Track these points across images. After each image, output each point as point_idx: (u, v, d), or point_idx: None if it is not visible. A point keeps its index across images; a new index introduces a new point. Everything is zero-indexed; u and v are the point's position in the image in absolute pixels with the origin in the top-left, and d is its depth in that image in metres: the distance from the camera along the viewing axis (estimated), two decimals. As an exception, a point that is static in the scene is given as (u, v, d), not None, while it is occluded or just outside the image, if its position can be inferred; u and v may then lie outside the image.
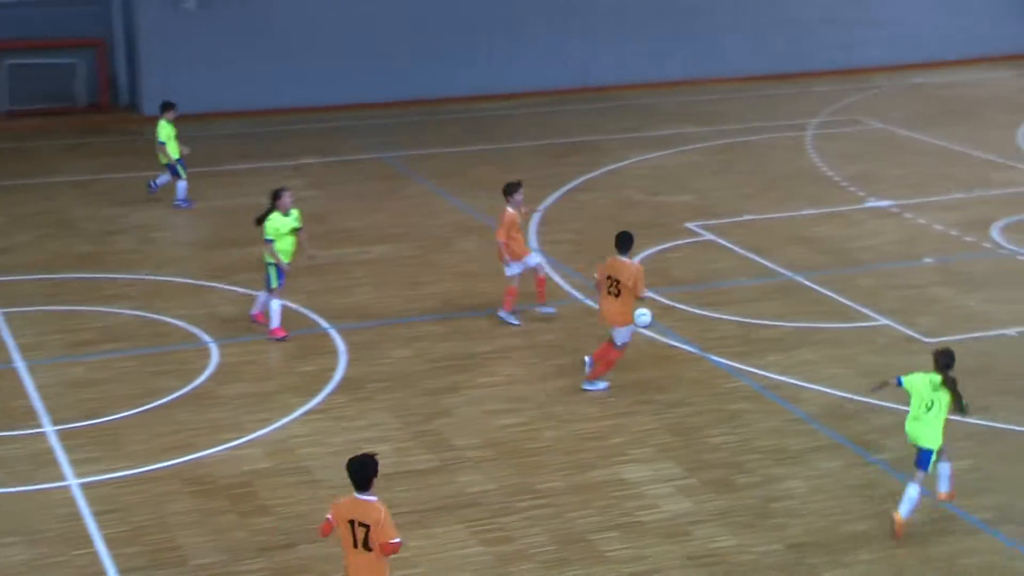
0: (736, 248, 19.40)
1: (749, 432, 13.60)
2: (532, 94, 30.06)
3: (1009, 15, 33.50)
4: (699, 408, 14.16)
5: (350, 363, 15.40)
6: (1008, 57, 33.55)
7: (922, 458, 11.47)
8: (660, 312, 16.82)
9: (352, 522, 9.16)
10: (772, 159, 24.64)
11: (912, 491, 11.45)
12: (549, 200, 22.02)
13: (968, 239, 19.68)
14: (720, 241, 19.74)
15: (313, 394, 14.54)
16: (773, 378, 14.83)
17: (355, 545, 9.15)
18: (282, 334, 16.00)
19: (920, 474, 11.47)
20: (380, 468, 12.79)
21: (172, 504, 12.16)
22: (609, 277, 14.41)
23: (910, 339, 15.97)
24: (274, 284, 15.90)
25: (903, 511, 11.48)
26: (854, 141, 25.91)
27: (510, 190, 16.43)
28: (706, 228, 20.33)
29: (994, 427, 13.61)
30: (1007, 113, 28.02)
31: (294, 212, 15.96)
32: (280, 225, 15.84)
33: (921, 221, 20.62)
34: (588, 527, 11.78)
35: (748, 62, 31.65)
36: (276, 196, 15.89)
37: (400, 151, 25.48)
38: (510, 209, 16.36)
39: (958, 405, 11.47)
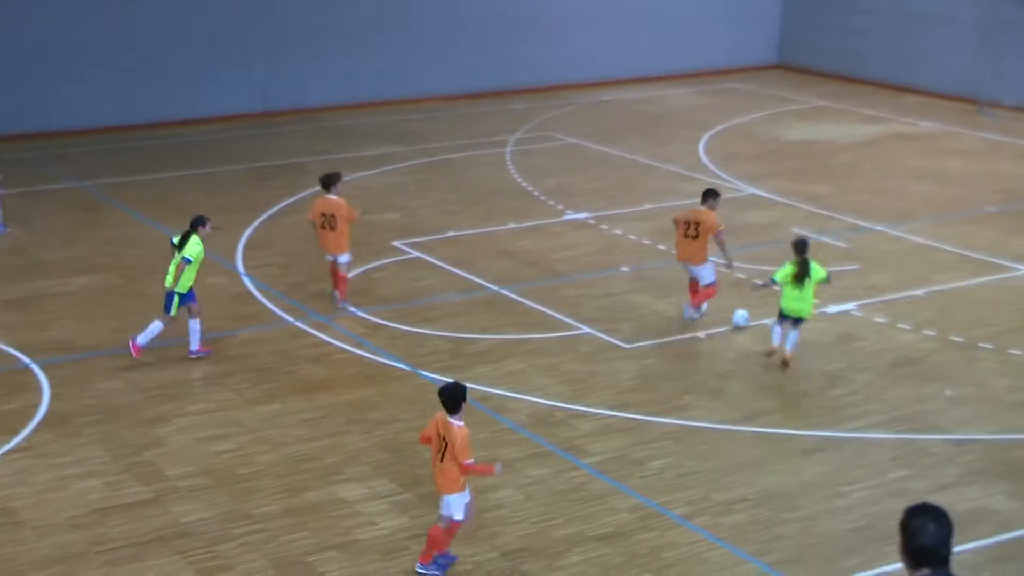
0: (442, 264, 19.83)
1: (461, 444, 13.94)
2: (234, 118, 29.82)
3: (688, 36, 35.29)
4: (411, 424, 14.42)
5: (55, 398, 14.98)
6: (688, 75, 35.35)
7: (797, 322, 15.72)
8: (369, 331, 17.06)
9: (441, 436, 11.01)
10: (474, 176, 25.25)
11: (778, 335, 15.79)
12: (255, 224, 21.95)
13: (660, 247, 20.69)
14: (426, 258, 20.13)
15: (15, 432, 14.07)
16: (482, 390, 15.26)
17: (439, 457, 11.02)
18: (206, 351, 16.18)
19: (792, 333, 15.68)
20: (92, 503, 12.52)
21: None
22: (687, 222, 17.18)
23: (612, 346, 16.70)
24: (174, 312, 15.83)
25: (788, 348, 15.68)
26: (550, 156, 26.82)
27: (335, 180, 17.58)
28: (412, 246, 20.69)
29: (689, 425, 14.42)
30: (689, 128, 29.55)
31: None
32: (200, 251, 15.77)
33: (617, 232, 21.55)
34: (306, 549, 11.86)
35: (448, 81, 32.28)
36: (201, 223, 15.90)
37: (100, 179, 24.85)
38: (338, 198, 17.57)
39: (802, 279, 15.55)
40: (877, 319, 17.57)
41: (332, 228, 17.52)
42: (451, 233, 21.47)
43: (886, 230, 21.77)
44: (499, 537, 12.09)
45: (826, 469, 13.45)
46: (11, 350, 16.26)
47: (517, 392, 15.27)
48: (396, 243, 20.79)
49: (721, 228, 17.13)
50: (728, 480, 13.18)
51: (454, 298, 18.47)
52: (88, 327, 17.26)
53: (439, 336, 16.97)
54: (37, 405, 14.77)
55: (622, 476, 13.23)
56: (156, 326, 15.88)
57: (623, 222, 22.08)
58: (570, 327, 17.34)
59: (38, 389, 15.21)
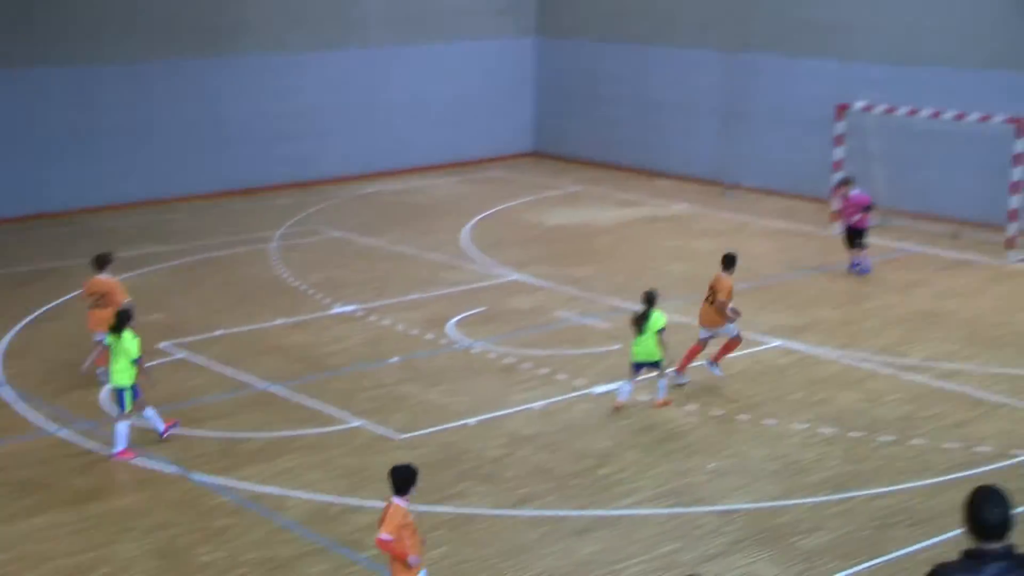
0: (211, 364, 19.60)
1: (236, 546, 13.79)
2: (-11, 222, 28.95)
3: (447, 127, 35.98)
4: (184, 528, 14.19)
5: None
6: (449, 165, 35.99)
7: (653, 368, 17.47)
8: (137, 436, 16.69)
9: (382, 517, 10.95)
10: (241, 273, 25.07)
11: (626, 393, 17.59)
12: (13, 331, 21.27)
13: (428, 336, 20.94)
14: (194, 358, 19.87)
15: None
16: (256, 490, 15.11)
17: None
18: (132, 455, 16.08)
19: (661, 382, 17.65)
20: None
21: None
22: (711, 288, 18.45)
23: (384, 437, 16.79)
24: (129, 407, 16.10)
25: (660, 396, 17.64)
26: (316, 250, 26.86)
27: (108, 259, 18.75)
28: (179, 346, 20.39)
29: (464, 513, 14.59)
30: (452, 217, 30.05)
31: None
32: (139, 344, 16.30)
33: (385, 322, 21.72)
34: (79, 665, 11.49)
35: (212, 179, 32.04)
36: (129, 317, 16.39)
37: None
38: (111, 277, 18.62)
39: (640, 327, 17.30)
40: (641, 397, 18.17)
41: (104, 307, 17.95)
42: (219, 332, 21.26)
43: (645, 310, 22.52)
44: (279, 638, 11.98)
45: (600, 548, 13.79)
46: None
47: (291, 489, 15.18)
48: (162, 344, 20.44)
49: (730, 304, 18.39)
50: (505, 565, 13.38)
51: (224, 397, 18.27)
52: None
53: (210, 437, 16.75)
54: None
55: (401, 567, 13.26)
56: (122, 427, 16.04)
57: (391, 313, 22.27)
58: (342, 421, 17.37)
59: None
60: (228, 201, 31.66)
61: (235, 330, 21.39)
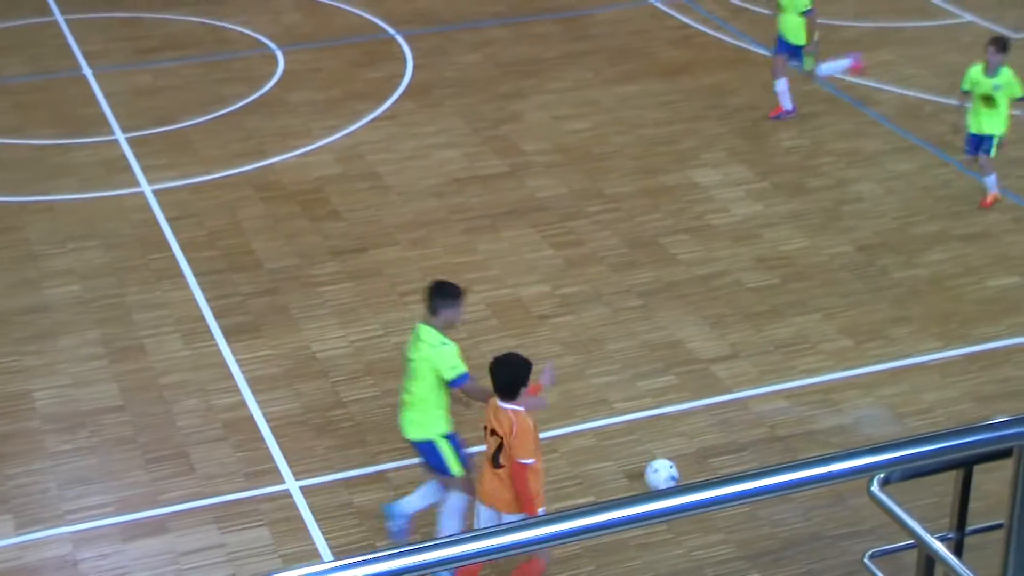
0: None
1: (822, 135, 13.39)
2: None
3: None
4: (768, 112, 13.89)
5: (417, 69, 15.21)
6: None
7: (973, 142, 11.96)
8: (731, 14, 16.38)
9: (491, 429, 7.47)
10: None
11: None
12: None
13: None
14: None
15: (381, 100, 14.42)
16: (848, 80, 14.46)
17: (489, 459, 7.47)
18: None
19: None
20: (452, 173, 12.67)
21: (245, 209, 12.27)
22: None
23: (994, 34, 15.41)
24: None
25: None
26: None
27: None
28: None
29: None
30: None
31: None
32: None
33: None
34: (658, 230, 11.77)
35: None
36: None
37: None
38: None
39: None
40: None
41: None
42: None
43: None
44: (856, 231, 11.65)
45: None
46: (377, 20, 16.54)
47: (886, 83, 14.41)
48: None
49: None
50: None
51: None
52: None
53: (805, 21, 16.10)
54: (401, 75, 15.05)
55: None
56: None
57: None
58: (950, 15, 16.12)
59: (401, 60, 15.48)
60: None
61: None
